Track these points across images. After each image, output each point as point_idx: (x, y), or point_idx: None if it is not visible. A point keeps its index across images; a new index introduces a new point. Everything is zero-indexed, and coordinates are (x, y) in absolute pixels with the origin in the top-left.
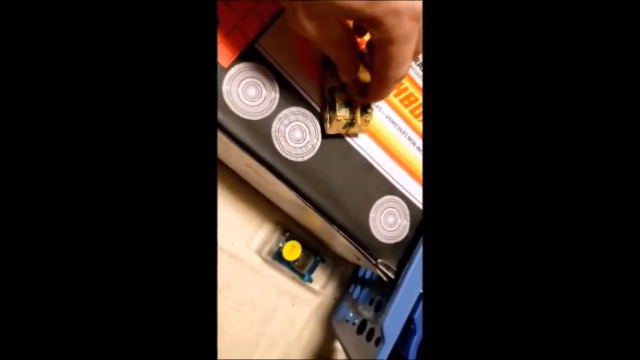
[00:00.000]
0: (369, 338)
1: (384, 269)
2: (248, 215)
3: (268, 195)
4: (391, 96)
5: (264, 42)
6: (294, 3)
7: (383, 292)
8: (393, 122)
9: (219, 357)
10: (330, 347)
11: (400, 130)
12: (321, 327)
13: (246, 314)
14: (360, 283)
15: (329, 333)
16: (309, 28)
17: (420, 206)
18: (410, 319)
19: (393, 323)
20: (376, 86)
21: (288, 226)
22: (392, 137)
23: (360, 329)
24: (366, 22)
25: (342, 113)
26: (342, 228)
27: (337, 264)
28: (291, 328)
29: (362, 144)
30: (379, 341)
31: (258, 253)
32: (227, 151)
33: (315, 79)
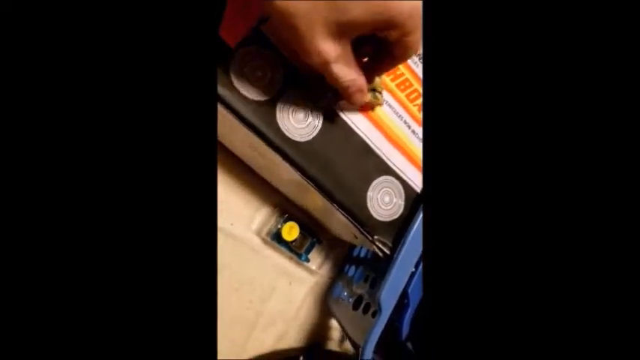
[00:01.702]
0: (365, 312)
1: (380, 245)
2: (247, 197)
3: (268, 177)
4: (389, 81)
5: (269, 26)
6: (309, 21)
7: (377, 269)
8: (391, 106)
9: (220, 335)
10: (326, 324)
11: (397, 114)
12: (317, 306)
13: (245, 293)
14: (355, 262)
15: (325, 311)
16: (326, 49)
17: (414, 186)
18: (404, 293)
19: (389, 295)
20: (389, 67)
21: (287, 208)
22: (389, 120)
23: (356, 306)
24: (388, 28)
25: None
26: (341, 206)
27: (333, 245)
28: (288, 306)
29: (361, 126)
30: (375, 314)
31: (258, 234)
32: (231, 133)
33: None
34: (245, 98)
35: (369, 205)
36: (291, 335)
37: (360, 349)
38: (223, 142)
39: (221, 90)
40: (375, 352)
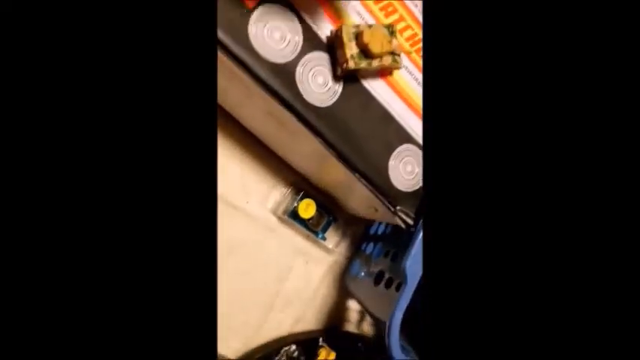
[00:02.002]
0: (388, 286)
1: (403, 216)
2: (263, 175)
3: (285, 153)
4: (404, 42)
5: None
6: None
7: (399, 243)
8: (409, 71)
9: (236, 316)
10: (344, 306)
11: (416, 80)
12: (335, 285)
13: (261, 273)
14: (373, 239)
15: (342, 292)
16: None
17: None
18: None
19: (414, 265)
20: None
21: (302, 186)
22: (408, 86)
23: (377, 281)
24: None
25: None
26: (363, 175)
27: (349, 224)
28: (305, 286)
29: (381, 92)
30: (400, 287)
31: (273, 212)
32: (248, 101)
33: (336, 26)
34: (264, 60)
35: (390, 174)
36: (308, 317)
37: (387, 323)
38: (238, 117)
39: (240, 52)
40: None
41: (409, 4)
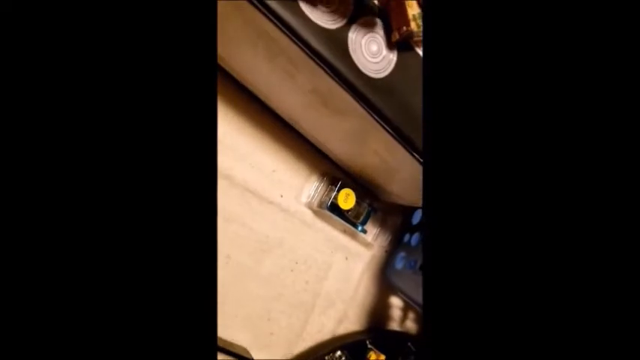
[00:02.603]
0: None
1: None
2: (295, 166)
3: (320, 138)
4: None
5: None
6: None
7: None
8: None
9: (277, 322)
10: (387, 303)
11: None
12: (376, 282)
13: (301, 273)
14: (415, 229)
15: (384, 288)
16: None
17: None
18: None
19: None
20: None
21: (337, 176)
22: None
23: None
24: None
25: None
26: (420, 153)
27: (388, 214)
28: (346, 285)
29: None
30: None
31: (309, 205)
32: (289, 80)
33: None
34: (314, 25)
35: None
36: (351, 317)
37: None
38: (274, 103)
39: (287, 16)
40: None
41: None
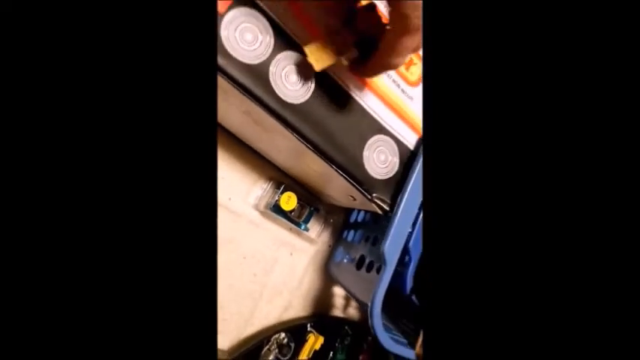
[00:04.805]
0: (369, 270)
1: (379, 202)
2: (244, 172)
3: (264, 149)
4: None
5: None
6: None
7: (377, 228)
8: None
9: (228, 309)
10: (329, 292)
11: (386, 73)
12: (319, 274)
13: (249, 266)
14: (353, 226)
15: (327, 279)
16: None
17: (408, 145)
18: (405, 250)
19: (392, 246)
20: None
21: (282, 180)
22: (379, 80)
23: (359, 266)
24: None
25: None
26: (339, 167)
27: (330, 212)
28: (291, 277)
29: (352, 87)
30: (380, 269)
31: (256, 207)
32: (226, 101)
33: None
34: (237, 62)
35: (365, 164)
36: (295, 305)
37: (369, 304)
38: (218, 118)
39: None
40: (382, 309)
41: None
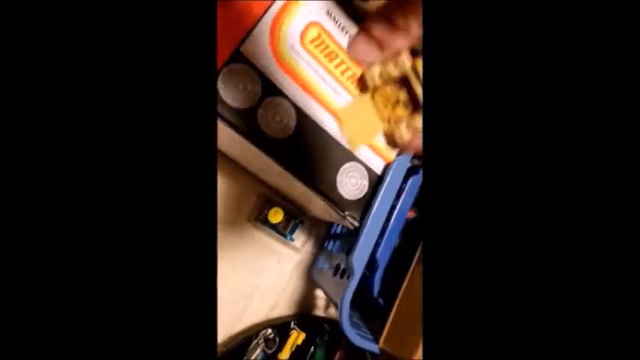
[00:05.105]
0: (342, 276)
1: (350, 220)
2: (236, 189)
3: (255, 171)
4: (346, 82)
5: (246, 47)
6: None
7: (352, 240)
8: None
9: (222, 308)
10: (312, 295)
11: None
12: (303, 279)
13: (241, 272)
14: (333, 237)
15: (310, 283)
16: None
17: (375, 170)
18: (374, 258)
19: (359, 258)
20: None
21: (271, 197)
22: None
23: (335, 272)
24: None
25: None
26: (317, 190)
27: (313, 225)
28: (278, 281)
29: (326, 122)
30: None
31: (248, 220)
32: (223, 136)
33: (288, 74)
34: (231, 107)
35: (339, 187)
36: (281, 305)
37: (339, 304)
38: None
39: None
40: (352, 308)
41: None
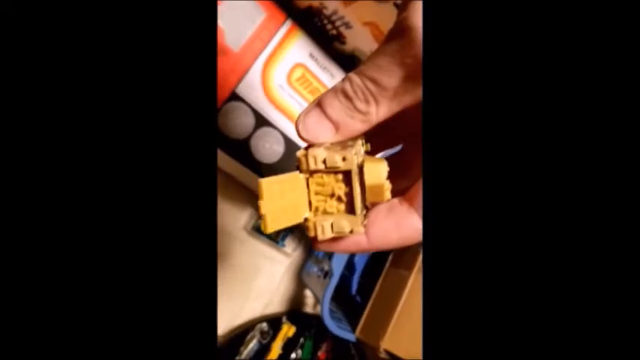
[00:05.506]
0: (325, 277)
1: None
2: (233, 201)
3: (250, 185)
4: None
5: (241, 88)
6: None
7: None
8: None
9: (221, 305)
10: (302, 294)
11: None
12: (293, 280)
13: (238, 274)
14: None
15: (299, 284)
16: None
17: None
18: (352, 261)
19: (337, 261)
20: None
21: None
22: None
23: (322, 274)
24: None
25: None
26: None
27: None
28: (271, 282)
29: None
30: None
31: (244, 228)
32: (222, 157)
33: (277, 108)
34: (228, 138)
35: None
36: (275, 303)
37: (321, 298)
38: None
39: None
40: (335, 306)
41: (324, 79)
